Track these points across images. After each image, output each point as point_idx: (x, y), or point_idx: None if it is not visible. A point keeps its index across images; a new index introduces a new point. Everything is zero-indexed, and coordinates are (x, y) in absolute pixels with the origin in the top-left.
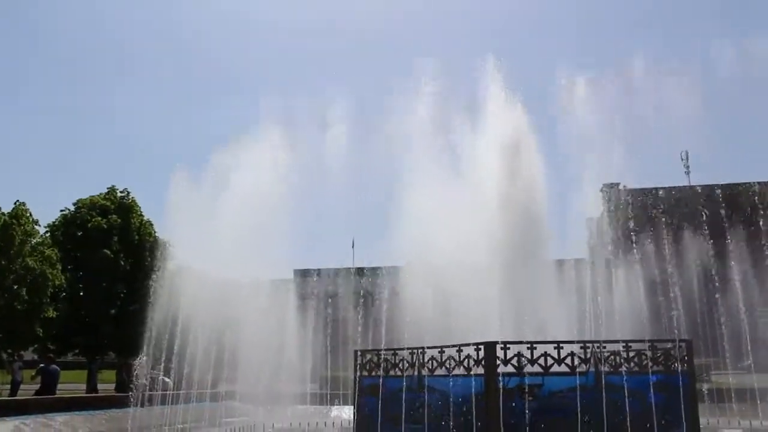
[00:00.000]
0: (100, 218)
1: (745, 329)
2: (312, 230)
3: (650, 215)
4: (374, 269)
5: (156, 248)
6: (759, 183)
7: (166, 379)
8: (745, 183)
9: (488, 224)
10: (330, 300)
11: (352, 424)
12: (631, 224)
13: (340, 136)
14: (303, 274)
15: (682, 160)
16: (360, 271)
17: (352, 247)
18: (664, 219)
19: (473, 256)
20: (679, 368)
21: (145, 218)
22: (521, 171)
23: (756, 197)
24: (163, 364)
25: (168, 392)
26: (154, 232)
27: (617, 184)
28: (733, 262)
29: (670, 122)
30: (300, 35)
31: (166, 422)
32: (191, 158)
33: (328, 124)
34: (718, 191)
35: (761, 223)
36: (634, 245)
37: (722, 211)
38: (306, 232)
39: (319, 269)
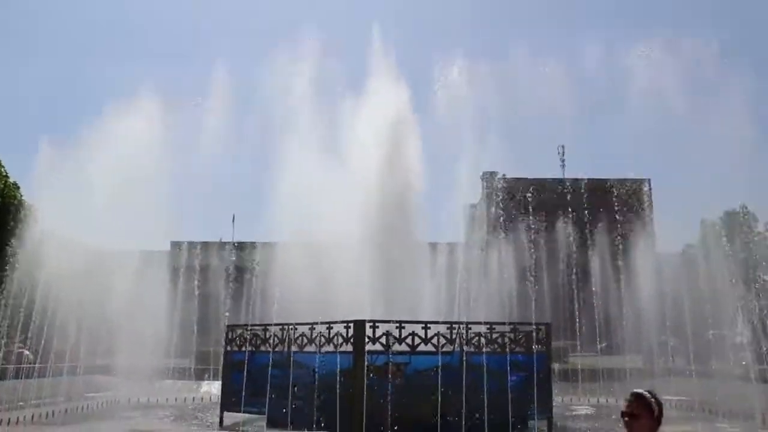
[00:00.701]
0: None
1: (602, 315)
2: (192, 203)
3: (524, 204)
4: (252, 244)
5: (20, 212)
6: (621, 180)
7: (26, 352)
8: (610, 179)
9: (365, 205)
10: (203, 274)
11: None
12: (505, 212)
13: (219, 108)
14: (180, 246)
15: (558, 153)
16: (237, 245)
17: (233, 221)
18: (536, 209)
19: (349, 235)
20: (538, 350)
21: (10, 180)
22: (399, 155)
23: (617, 192)
24: (20, 336)
25: (26, 366)
26: (20, 195)
27: (496, 173)
28: (594, 253)
29: (549, 117)
30: (178, 3)
31: (18, 397)
32: (63, 123)
33: (206, 96)
34: (585, 184)
35: (619, 217)
36: (505, 232)
37: (586, 205)
38: (185, 205)
39: (200, 242)
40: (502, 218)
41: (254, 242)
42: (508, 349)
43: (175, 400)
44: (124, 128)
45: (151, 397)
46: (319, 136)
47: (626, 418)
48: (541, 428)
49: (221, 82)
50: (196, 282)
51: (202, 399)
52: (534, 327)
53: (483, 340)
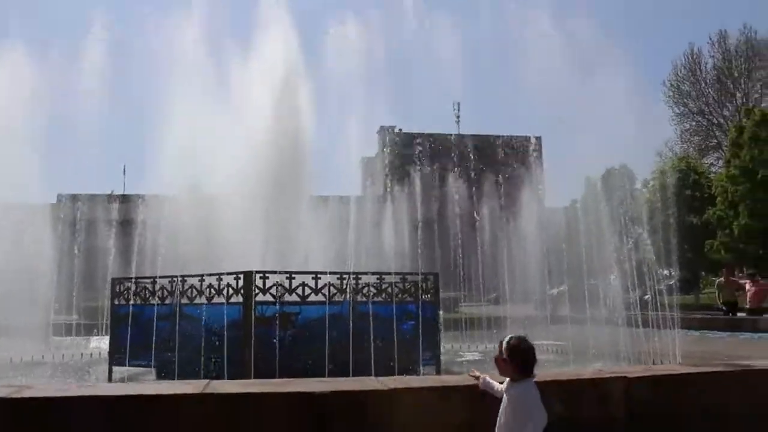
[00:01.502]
0: None
1: (490, 267)
2: (79, 154)
3: (419, 158)
4: (139, 197)
5: None
6: (512, 137)
7: None
8: (502, 135)
9: (254, 157)
10: (90, 227)
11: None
12: (400, 166)
13: (101, 53)
14: (66, 199)
15: (454, 109)
16: (122, 198)
17: (124, 173)
18: (431, 163)
19: (239, 189)
20: (426, 299)
21: None
22: (290, 105)
23: (508, 148)
24: None
25: None
26: None
27: (393, 127)
28: (484, 207)
29: (444, 73)
30: None
31: None
32: None
33: (88, 39)
34: (478, 140)
35: (508, 172)
36: (400, 186)
37: (479, 159)
38: (72, 156)
39: (87, 195)
40: (396, 172)
41: (141, 195)
42: (395, 299)
43: (62, 356)
44: None
45: (36, 356)
46: (207, 84)
47: (497, 362)
48: (429, 374)
49: (102, 26)
50: (80, 236)
51: (91, 355)
52: (422, 277)
53: (373, 290)
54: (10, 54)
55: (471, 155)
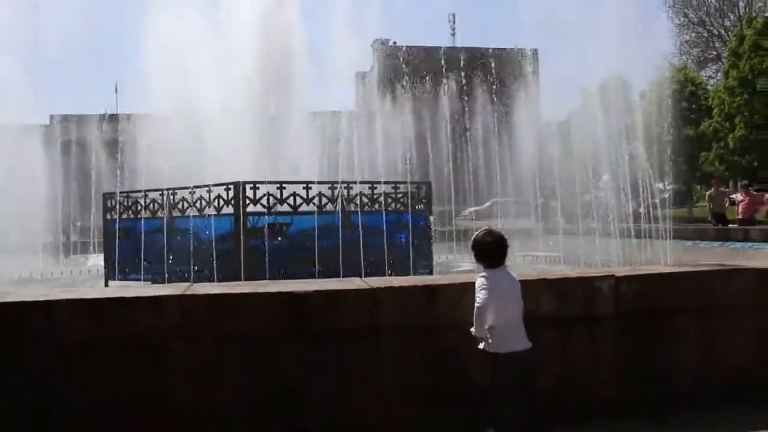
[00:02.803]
0: None
1: (486, 181)
2: (71, 73)
3: (414, 72)
4: (127, 116)
5: None
6: (508, 49)
7: None
8: (498, 48)
9: (244, 70)
10: (81, 147)
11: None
12: (395, 79)
13: None
14: (57, 120)
15: (449, 22)
16: (108, 117)
17: (115, 92)
18: (425, 76)
19: (232, 104)
20: (418, 209)
21: None
22: (279, 20)
23: (503, 60)
24: None
25: None
26: None
27: (388, 40)
28: (479, 120)
29: None
30: None
31: None
32: None
33: None
34: (473, 52)
35: (504, 85)
36: (394, 99)
37: (474, 72)
38: (63, 76)
39: (77, 115)
40: (389, 85)
41: (129, 114)
42: (388, 208)
43: (61, 273)
44: None
45: (35, 273)
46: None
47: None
48: None
49: None
50: (72, 157)
51: (89, 271)
52: (414, 186)
53: (364, 198)
54: None
55: (467, 67)
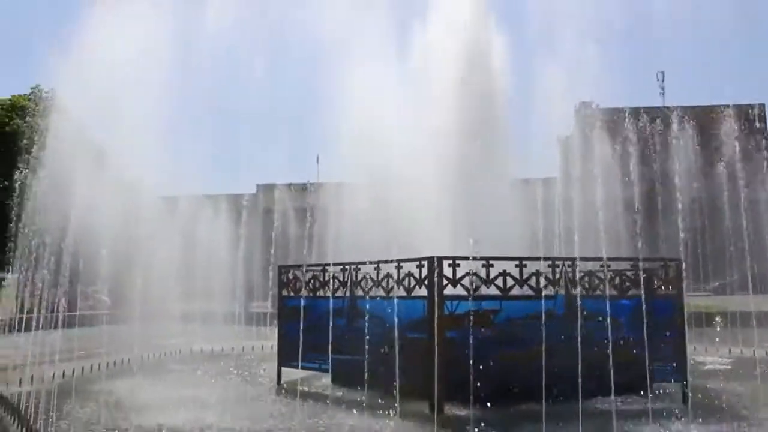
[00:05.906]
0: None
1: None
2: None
3: (623, 135)
4: (319, 185)
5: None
6: (732, 105)
7: (103, 297)
8: (718, 105)
9: (441, 134)
10: (282, 217)
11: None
12: (602, 144)
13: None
14: (261, 189)
15: (657, 80)
16: (304, 186)
17: (317, 162)
18: (636, 140)
19: (425, 168)
20: (667, 293)
21: None
22: (482, 80)
23: (728, 117)
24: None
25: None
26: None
27: (590, 103)
28: (706, 184)
29: (646, 41)
30: None
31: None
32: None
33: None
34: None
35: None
36: (603, 165)
37: (692, 132)
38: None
39: (288, 184)
40: (601, 150)
41: (320, 183)
42: (626, 292)
43: (242, 349)
44: None
45: (216, 347)
46: (384, 55)
47: None
48: (668, 391)
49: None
50: (274, 225)
51: (272, 347)
52: (662, 264)
53: (596, 280)
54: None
55: (683, 127)
